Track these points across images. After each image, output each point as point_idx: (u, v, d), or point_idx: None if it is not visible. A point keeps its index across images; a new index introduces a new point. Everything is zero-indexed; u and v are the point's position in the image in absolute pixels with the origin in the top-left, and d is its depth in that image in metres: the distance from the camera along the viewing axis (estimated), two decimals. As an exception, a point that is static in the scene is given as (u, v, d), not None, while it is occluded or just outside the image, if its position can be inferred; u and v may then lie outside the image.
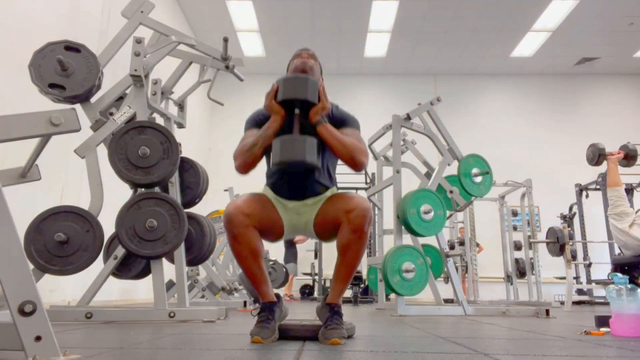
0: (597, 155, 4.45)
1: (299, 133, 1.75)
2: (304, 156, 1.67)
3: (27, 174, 2.01)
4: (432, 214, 3.60)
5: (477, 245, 8.34)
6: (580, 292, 7.11)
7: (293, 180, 1.85)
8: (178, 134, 3.07)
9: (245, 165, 1.80)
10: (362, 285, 7.07)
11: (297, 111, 1.79)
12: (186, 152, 3.21)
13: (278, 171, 1.85)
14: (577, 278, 7.30)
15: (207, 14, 8.24)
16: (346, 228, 1.70)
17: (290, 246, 8.19)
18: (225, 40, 2.99)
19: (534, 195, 6.63)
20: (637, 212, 3.83)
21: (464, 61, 9.92)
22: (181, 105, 3.54)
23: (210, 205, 6.77)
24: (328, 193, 1.90)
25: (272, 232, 1.86)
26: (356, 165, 1.78)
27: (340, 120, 1.90)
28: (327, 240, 1.92)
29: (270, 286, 1.83)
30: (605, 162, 4.31)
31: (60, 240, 2.39)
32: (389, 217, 4.12)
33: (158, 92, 3.20)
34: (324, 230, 1.85)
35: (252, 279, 1.80)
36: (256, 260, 1.76)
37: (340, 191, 1.95)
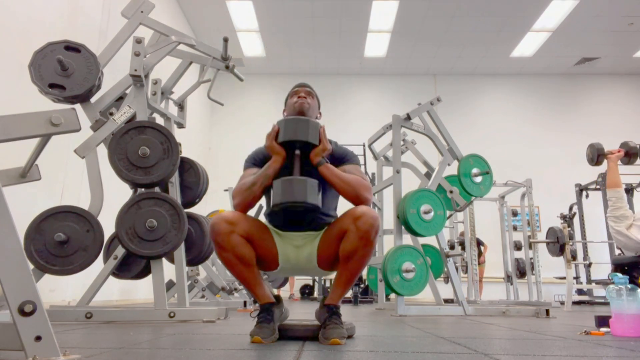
0: (596, 155, 4.42)
1: (299, 174, 1.76)
2: (305, 197, 1.67)
3: (27, 174, 2.01)
4: (432, 214, 3.60)
5: (482, 244, 8.31)
6: (580, 292, 7.12)
7: (294, 216, 1.81)
8: (178, 134, 3.07)
9: (244, 204, 1.79)
10: (362, 285, 7.08)
11: (297, 152, 1.80)
12: (186, 152, 3.21)
13: (279, 210, 1.80)
14: (577, 278, 7.30)
15: (207, 14, 8.24)
16: (353, 234, 1.65)
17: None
18: (225, 40, 2.99)
19: (534, 195, 6.63)
20: (636, 214, 3.82)
21: (464, 61, 9.92)
22: (181, 105, 3.54)
23: (210, 205, 6.79)
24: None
25: (265, 255, 1.80)
26: (361, 202, 1.75)
27: (340, 157, 1.89)
28: (333, 268, 1.84)
29: (266, 287, 1.81)
30: (605, 162, 4.28)
31: (60, 240, 2.39)
32: (389, 217, 4.13)
33: (158, 92, 3.21)
34: (330, 252, 1.77)
35: (245, 284, 1.78)
36: (246, 266, 1.73)
37: None
